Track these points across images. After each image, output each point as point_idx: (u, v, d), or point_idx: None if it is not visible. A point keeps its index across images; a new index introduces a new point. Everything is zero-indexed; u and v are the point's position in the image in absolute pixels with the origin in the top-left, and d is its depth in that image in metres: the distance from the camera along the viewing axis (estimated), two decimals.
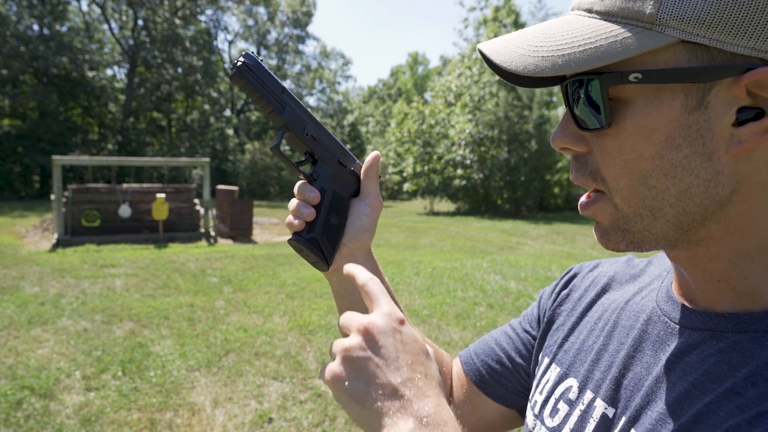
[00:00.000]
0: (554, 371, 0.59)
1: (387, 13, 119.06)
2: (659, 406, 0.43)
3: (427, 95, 40.77)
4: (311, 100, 42.82)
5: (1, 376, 3.55)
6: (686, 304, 0.47)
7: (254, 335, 4.51)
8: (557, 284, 0.68)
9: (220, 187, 12.32)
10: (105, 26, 29.46)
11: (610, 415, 0.48)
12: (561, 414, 0.54)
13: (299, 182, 0.63)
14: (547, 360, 0.61)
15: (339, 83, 45.37)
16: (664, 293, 0.50)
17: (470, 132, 21.53)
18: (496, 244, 11.13)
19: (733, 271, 0.42)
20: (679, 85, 0.38)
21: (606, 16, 0.40)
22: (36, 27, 24.98)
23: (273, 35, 36.69)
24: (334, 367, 0.43)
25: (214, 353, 4.08)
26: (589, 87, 0.40)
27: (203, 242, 10.45)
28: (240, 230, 11.12)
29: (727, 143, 0.38)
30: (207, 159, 11.77)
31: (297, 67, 38.63)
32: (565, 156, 22.70)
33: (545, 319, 0.65)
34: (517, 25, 24.77)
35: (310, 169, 0.62)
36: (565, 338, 0.60)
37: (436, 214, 21.47)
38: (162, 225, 10.54)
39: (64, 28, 26.32)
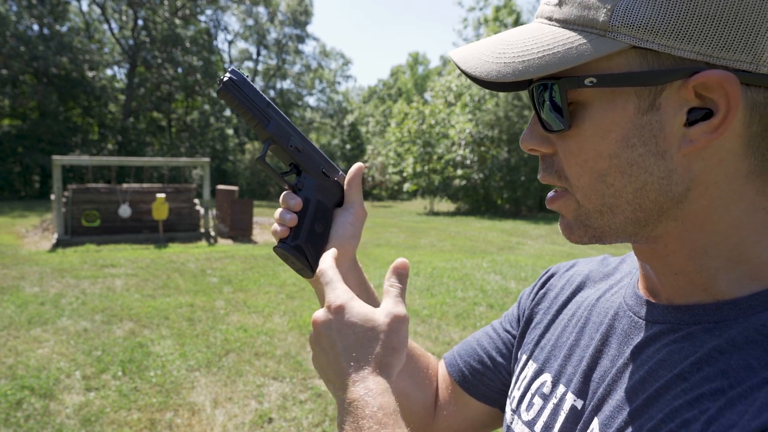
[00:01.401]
0: (531, 367, 0.61)
1: (387, 13, 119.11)
2: (618, 395, 0.46)
3: (427, 95, 40.78)
4: (311, 100, 42.87)
5: (1, 376, 3.55)
6: (650, 299, 0.49)
7: (254, 335, 4.51)
8: (536, 284, 0.70)
9: (220, 187, 12.33)
10: (105, 26, 29.48)
11: (579, 407, 0.51)
12: (536, 408, 0.56)
13: (284, 192, 0.65)
14: (524, 357, 0.63)
15: (339, 83, 45.40)
16: (631, 289, 0.53)
17: (470, 132, 21.53)
18: (496, 244, 11.13)
19: (689, 265, 0.44)
20: (632, 88, 0.40)
21: (564, 24, 0.42)
22: (36, 27, 24.99)
23: (273, 35, 36.70)
24: (325, 314, 0.51)
25: (214, 353, 4.08)
26: (552, 91, 0.42)
27: (203, 242, 10.45)
28: (240, 230, 11.12)
29: (679, 143, 0.40)
30: (207, 159, 11.77)
31: (297, 67, 38.64)
32: None
33: (524, 318, 0.68)
34: (518, 24, 24.76)
35: (295, 180, 0.64)
36: (542, 336, 0.62)
37: (436, 214, 21.48)
38: (162, 225, 10.54)
39: (64, 28, 26.34)
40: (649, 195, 0.42)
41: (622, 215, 0.44)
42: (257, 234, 12.00)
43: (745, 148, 0.40)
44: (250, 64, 38.20)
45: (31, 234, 10.99)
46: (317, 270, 0.57)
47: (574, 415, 0.51)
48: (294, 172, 0.64)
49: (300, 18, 36.16)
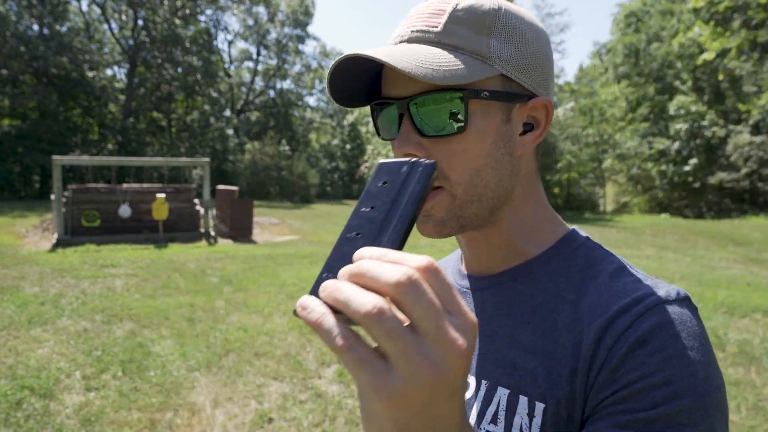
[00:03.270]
0: None
1: (387, 13, 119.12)
2: (491, 356, 0.59)
3: None
4: (311, 100, 42.89)
5: (1, 376, 3.55)
6: (473, 275, 0.65)
7: (254, 335, 4.51)
8: None
9: (220, 187, 12.33)
10: (105, 26, 29.49)
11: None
12: None
13: None
14: None
15: None
16: (456, 273, 0.68)
17: None
18: None
19: (510, 238, 0.61)
20: (499, 104, 0.55)
21: (454, 49, 0.54)
22: (36, 27, 25.00)
23: (273, 35, 36.70)
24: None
25: (214, 353, 4.08)
26: (452, 101, 0.53)
27: (203, 242, 10.45)
28: (240, 230, 11.13)
29: (518, 146, 0.58)
30: (207, 159, 11.77)
31: (297, 67, 38.65)
32: (565, 156, 22.79)
33: None
34: None
35: None
36: None
37: None
38: (162, 225, 10.55)
39: (64, 28, 26.34)
40: (503, 185, 0.57)
41: (486, 203, 0.57)
42: (257, 234, 12.01)
43: (535, 152, 0.61)
44: (250, 64, 38.22)
45: (31, 234, 10.99)
46: None
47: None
48: None
49: (300, 18, 36.16)
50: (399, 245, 0.35)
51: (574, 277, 0.57)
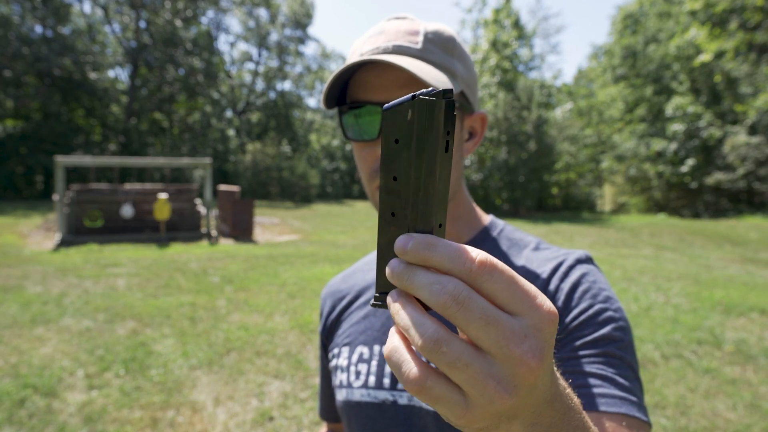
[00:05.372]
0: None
1: (386, 14, 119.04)
2: None
3: None
4: (312, 101, 42.87)
5: (5, 374, 3.59)
6: None
7: (255, 334, 4.55)
8: None
9: (222, 187, 12.37)
10: (107, 28, 29.56)
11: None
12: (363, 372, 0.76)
13: None
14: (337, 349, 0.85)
15: None
16: None
17: None
18: None
19: (463, 211, 0.75)
20: (460, 114, 0.69)
21: (434, 64, 0.65)
22: (39, 29, 25.08)
23: (274, 37, 36.75)
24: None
25: (215, 352, 4.12)
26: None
27: (205, 242, 10.49)
28: (241, 230, 11.17)
29: (464, 151, 0.72)
30: (208, 159, 11.81)
31: (298, 69, 38.68)
32: (563, 158, 22.76)
33: None
34: (517, 26, 24.73)
35: None
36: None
37: None
38: (164, 225, 10.60)
39: (66, 30, 26.41)
40: (456, 182, 0.71)
41: (449, 193, 0.66)
42: (258, 234, 12.05)
43: (463, 156, 0.73)
44: (251, 65, 38.27)
45: (35, 234, 11.05)
46: None
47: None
48: None
49: (301, 20, 36.20)
50: (434, 222, 0.31)
51: (503, 253, 0.72)
